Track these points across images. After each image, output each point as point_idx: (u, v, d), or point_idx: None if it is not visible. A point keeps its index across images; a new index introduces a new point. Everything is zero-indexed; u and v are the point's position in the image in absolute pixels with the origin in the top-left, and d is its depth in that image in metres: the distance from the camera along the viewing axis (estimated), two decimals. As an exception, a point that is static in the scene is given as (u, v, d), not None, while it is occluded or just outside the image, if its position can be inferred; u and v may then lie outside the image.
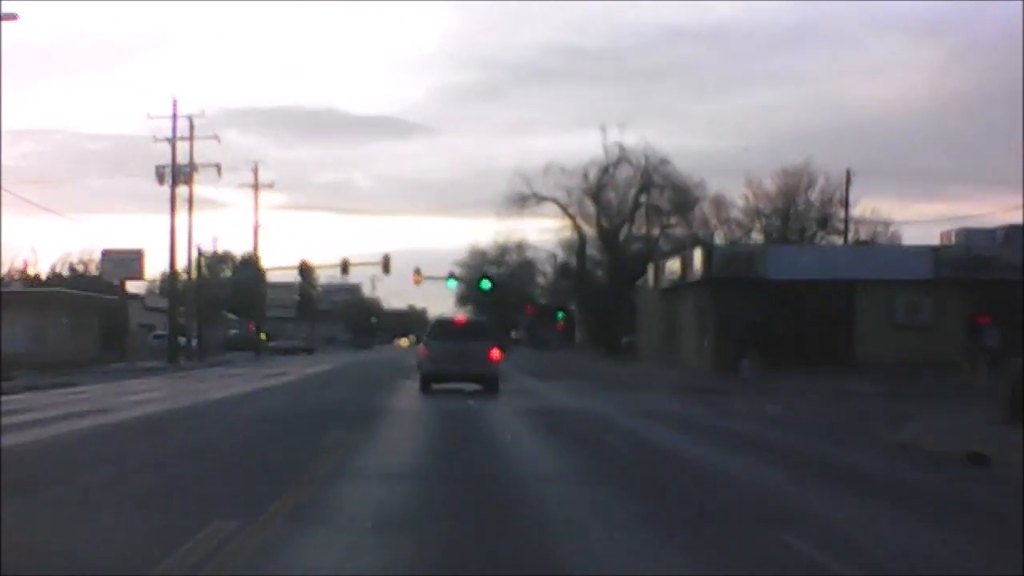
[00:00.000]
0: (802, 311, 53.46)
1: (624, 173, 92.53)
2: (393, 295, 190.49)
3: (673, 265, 60.60)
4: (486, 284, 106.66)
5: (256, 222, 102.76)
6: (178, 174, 74.29)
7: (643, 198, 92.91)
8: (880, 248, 59.12)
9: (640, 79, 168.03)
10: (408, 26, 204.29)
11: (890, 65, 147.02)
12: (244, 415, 27.93)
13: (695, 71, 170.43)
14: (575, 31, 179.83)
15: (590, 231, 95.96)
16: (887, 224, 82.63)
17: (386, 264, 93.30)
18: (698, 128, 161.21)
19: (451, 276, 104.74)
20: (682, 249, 71.33)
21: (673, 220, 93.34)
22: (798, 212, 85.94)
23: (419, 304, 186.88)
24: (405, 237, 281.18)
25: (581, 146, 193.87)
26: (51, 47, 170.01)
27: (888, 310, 54.20)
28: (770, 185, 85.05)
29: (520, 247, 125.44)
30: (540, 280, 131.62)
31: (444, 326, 40.08)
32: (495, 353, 36.53)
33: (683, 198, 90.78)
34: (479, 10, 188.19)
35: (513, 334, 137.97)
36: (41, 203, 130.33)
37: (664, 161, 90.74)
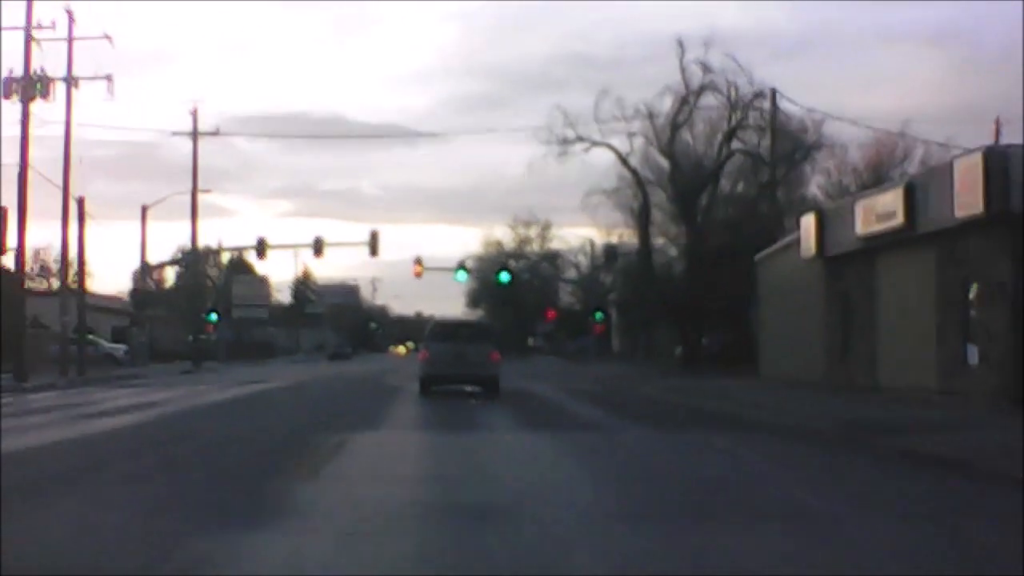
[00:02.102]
0: None
1: (707, 111, 64.96)
2: (396, 300, 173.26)
3: (879, 203, 32.16)
4: (505, 276, 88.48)
5: (195, 188, 75.61)
6: (32, 85, 47.25)
7: (735, 144, 65.07)
8: None
9: (647, 87, 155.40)
10: (416, 35, 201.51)
11: (896, 73, 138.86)
12: None
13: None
14: (582, 40, 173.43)
15: (659, 194, 67.91)
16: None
17: (373, 244, 71.86)
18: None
19: (461, 267, 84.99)
20: (809, 209, 44.01)
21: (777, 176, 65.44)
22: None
23: (427, 310, 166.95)
24: (412, 245, 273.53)
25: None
26: (61, 54, 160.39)
27: None
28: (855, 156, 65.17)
29: (545, 227, 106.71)
30: (572, 273, 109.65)
31: (444, 328, 37.54)
32: (496, 355, 34.70)
33: (795, 145, 62.72)
34: (486, 19, 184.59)
35: (530, 341, 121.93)
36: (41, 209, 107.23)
37: (761, 94, 62.61)
